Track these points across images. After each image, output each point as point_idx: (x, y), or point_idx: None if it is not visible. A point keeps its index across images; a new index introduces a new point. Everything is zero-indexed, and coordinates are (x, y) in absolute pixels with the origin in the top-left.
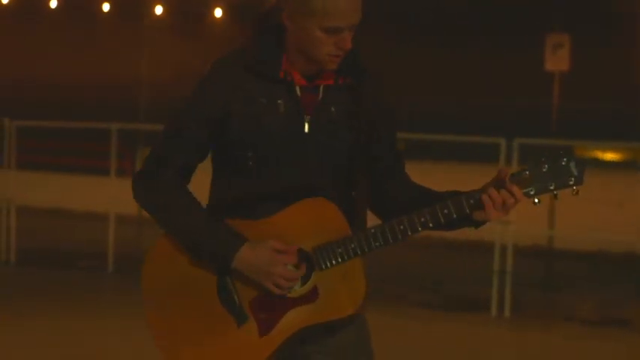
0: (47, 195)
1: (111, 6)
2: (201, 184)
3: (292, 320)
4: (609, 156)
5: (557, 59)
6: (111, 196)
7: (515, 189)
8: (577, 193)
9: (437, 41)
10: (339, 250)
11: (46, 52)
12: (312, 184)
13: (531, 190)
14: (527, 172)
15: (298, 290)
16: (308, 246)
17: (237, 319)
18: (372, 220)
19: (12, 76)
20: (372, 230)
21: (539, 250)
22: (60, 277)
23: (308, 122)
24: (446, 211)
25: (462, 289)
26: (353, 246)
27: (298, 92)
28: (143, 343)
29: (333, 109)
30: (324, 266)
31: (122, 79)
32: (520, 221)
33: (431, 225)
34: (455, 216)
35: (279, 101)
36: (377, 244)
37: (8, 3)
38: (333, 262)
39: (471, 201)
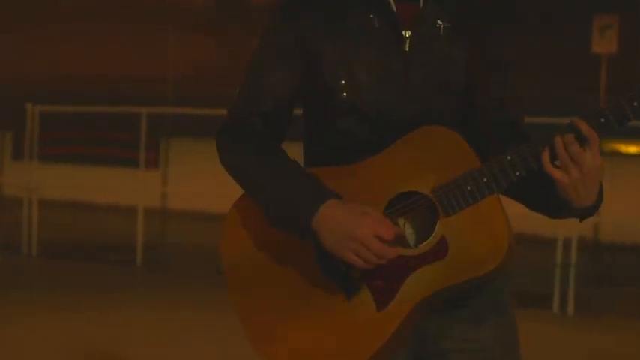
0: (70, 187)
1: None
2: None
3: (417, 285)
4: None
5: (604, 41)
6: (139, 188)
7: (585, 126)
8: None
9: None
10: (469, 187)
11: (71, 43)
12: (422, 112)
13: None
14: None
15: (422, 246)
16: (427, 187)
17: (346, 291)
18: None
19: (37, 68)
20: (508, 157)
21: (584, 242)
22: (85, 269)
23: (408, 39)
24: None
25: (522, 283)
26: (486, 180)
27: (393, 4)
28: (172, 335)
29: (439, 22)
30: (451, 211)
31: (148, 72)
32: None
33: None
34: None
35: (370, 16)
36: (517, 173)
37: None
38: (463, 204)
39: (539, 148)
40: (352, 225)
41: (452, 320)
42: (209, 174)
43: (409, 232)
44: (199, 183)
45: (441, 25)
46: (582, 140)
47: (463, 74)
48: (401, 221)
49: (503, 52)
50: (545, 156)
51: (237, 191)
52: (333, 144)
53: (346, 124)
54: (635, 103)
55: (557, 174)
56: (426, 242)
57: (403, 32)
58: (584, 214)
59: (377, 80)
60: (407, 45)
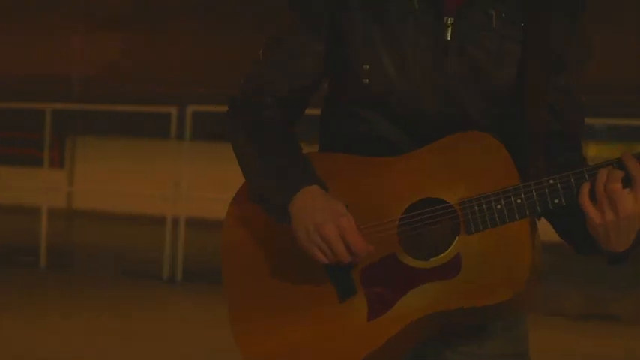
0: None
1: None
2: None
3: (417, 301)
4: None
5: None
6: (44, 187)
7: (635, 164)
8: None
9: None
10: (499, 206)
11: None
12: (456, 112)
13: None
14: None
15: (433, 260)
16: (455, 197)
17: (340, 292)
18: None
19: None
20: (551, 181)
21: None
22: None
23: (451, 26)
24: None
25: None
26: (520, 202)
27: None
28: (77, 337)
29: (491, 10)
30: (473, 228)
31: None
32: None
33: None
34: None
35: None
36: (556, 201)
37: None
38: (488, 223)
39: (586, 176)
40: (323, 219)
41: (457, 331)
42: (116, 173)
43: (424, 242)
44: (106, 182)
45: (492, 14)
46: (627, 180)
47: (513, 73)
48: (418, 228)
49: (569, 48)
50: (586, 188)
51: (146, 190)
52: (352, 132)
53: (367, 114)
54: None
55: (590, 210)
56: (438, 257)
57: (445, 18)
58: (612, 259)
59: (406, 70)
60: (448, 33)
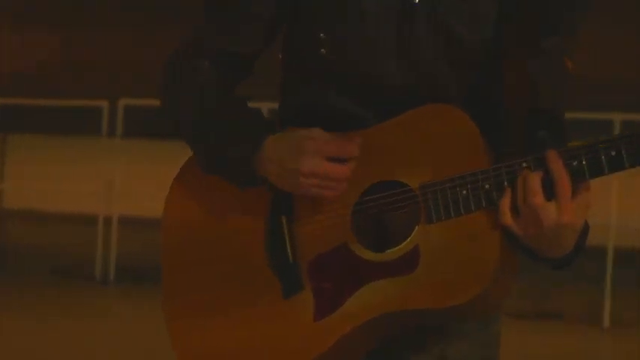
0: None
1: None
2: None
3: (369, 300)
4: None
5: None
6: None
7: (559, 168)
8: None
9: None
10: (464, 191)
11: None
12: (422, 84)
13: None
14: None
15: (389, 252)
16: (414, 180)
17: (284, 287)
18: None
19: None
20: (524, 164)
21: None
22: None
23: None
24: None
25: None
26: (488, 187)
27: None
28: (7, 338)
29: None
30: (434, 217)
31: None
32: None
33: None
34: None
35: None
36: None
37: None
38: (451, 212)
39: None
40: (293, 160)
41: (421, 329)
42: (47, 171)
43: (380, 231)
44: (37, 180)
45: None
46: (549, 184)
47: (489, 39)
48: (375, 215)
49: (556, 10)
50: (506, 202)
51: (78, 188)
52: (311, 106)
53: (327, 86)
54: (613, 152)
55: (512, 225)
56: (395, 249)
57: None
58: (554, 265)
59: (367, 38)
60: None
